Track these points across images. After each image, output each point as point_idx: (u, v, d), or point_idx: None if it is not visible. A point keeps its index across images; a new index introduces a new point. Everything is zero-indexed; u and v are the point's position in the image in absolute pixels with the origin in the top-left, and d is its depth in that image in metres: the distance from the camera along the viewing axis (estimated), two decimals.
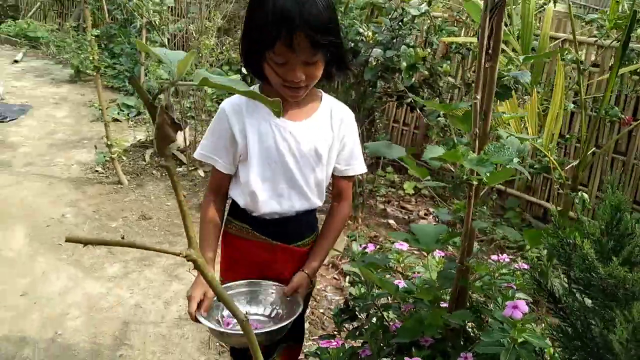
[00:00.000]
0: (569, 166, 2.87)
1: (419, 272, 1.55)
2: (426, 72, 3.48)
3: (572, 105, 3.18)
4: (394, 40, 3.21)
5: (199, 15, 5.56)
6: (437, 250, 1.60)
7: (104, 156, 4.14)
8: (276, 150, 1.34)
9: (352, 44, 3.35)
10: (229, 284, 1.43)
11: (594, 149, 2.94)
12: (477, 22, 3.11)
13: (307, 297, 1.63)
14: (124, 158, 4.28)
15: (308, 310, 2.56)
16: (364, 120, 3.59)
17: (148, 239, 3.19)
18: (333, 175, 1.48)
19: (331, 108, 1.42)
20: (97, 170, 4.17)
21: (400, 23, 3.20)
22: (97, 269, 2.84)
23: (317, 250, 1.48)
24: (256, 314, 1.42)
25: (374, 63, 3.31)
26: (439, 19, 3.68)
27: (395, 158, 1.22)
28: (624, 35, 2.33)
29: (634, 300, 0.76)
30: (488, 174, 1.14)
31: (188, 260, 0.59)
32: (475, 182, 1.10)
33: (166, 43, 5.86)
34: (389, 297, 1.48)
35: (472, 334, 1.33)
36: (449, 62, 3.58)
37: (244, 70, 2.48)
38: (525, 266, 1.39)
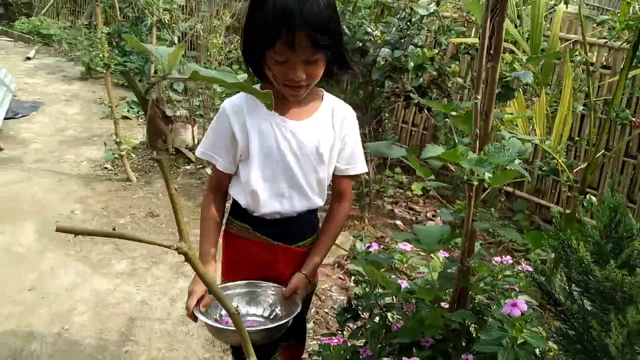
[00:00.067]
0: (577, 169, 2.85)
1: (422, 273, 1.55)
2: (434, 73, 3.47)
3: (581, 107, 3.15)
4: (402, 40, 3.21)
5: (208, 13, 5.58)
6: (441, 251, 1.60)
7: (113, 153, 4.17)
8: (277, 149, 1.34)
9: (360, 44, 3.36)
10: (226, 284, 1.43)
11: (603, 151, 2.91)
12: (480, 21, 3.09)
13: (308, 296, 1.63)
14: (133, 155, 4.31)
15: (313, 310, 2.57)
16: (371, 120, 3.59)
17: (155, 235, 3.21)
18: (333, 175, 1.47)
19: (332, 107, 1.41)
20: (106, 167, 4.20)
21: (408, 23, 3.19)
22: (105, 265, 2.86)
23: (315, 251, 1.47)
24: (255, 315, 1.42)
25: (381, 63, 3.31)
26: (448, 19, 3.67)
27: (399, 158, 1.22)
28: (635, 37, 2.31)
29: (630, 304, 0.76)
30: (490, 175, 1.14)
31: (179, 253, 0.60)
32: (475, 183, 1.10)
33: (176, 41, 5.90)
34: (393, 298, 1.48)
35: (473, 335, 1.33)
36: (457, 62, 3.57)
37: None
38: (529, 268, 1.39)
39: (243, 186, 1.39)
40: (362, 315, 1.53)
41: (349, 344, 1.41)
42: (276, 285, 1.43)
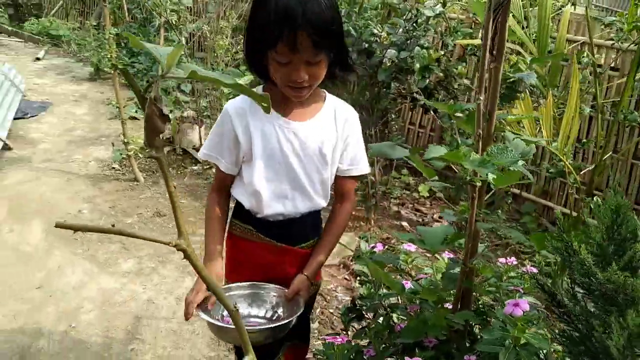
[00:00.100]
0: (584, 171, 2.84)
1: (426, 274, 1.55)
2: (441, 74, 3.47)
3: (588, 109, 3.14)
4: (408, 42, 3.21)
5: (215, 15, 5.60)
6: (446, 252, 1.60)
7: (121, 153, 4.20)
8: (280, 150, 1.35)
9: (367, 45, 3.36)
10: (229, 286, 1.43)
11: (610, 153, 2.90)
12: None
13: (312, 297, 1.63)
14: (140, 155, 4.34)
15: (318, 310, 2.57)
16: (377, 121, 3.59)
17: (162, 236, 3.22)
18: (336, 176, 1.47)
19: (335, 108, 1.42)
20: (114, 167, 4.23)
21: (414, 24, 3.19)
22: (112, 264, 2.89)
23: (317, 252, 1.47)
24: (257, 316, 1.41)
25: (387, 64, 3.31)
26: (455, 20, 3.66)
27: (406, 160, 1.23)
28: None
29: (632, 306, 0.75)
30: (494, 176, 1.15)
31: (178, 250, 0.61)
32: (478, 184, 1.10)
33: (184, 42, 5.93)
34: (398, 298, 1.48)
35: (477, 336, 1.33)
36: (464, 64, 3.56)
37: None
38: (534, 270, 1.38)
39: (246, 187, 1.39)
40: (366, 316, 1.53)
41: (353, 344, 1.41)
42: (278, 286, 1.43)
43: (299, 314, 1.33)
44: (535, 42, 2.88)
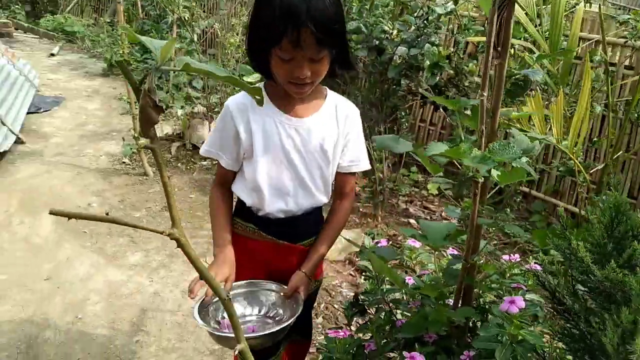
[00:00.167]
0: (593, 169, 2.81)
1: (430, 269, 1.55)
2: (451, 72, 3.45)
3: (600, 108, 3.10)
4: (419, 39, 3.19)
5: (226, 12, 5.62)
6: (450, 248, 1.60)
7: (131, 148, 4.23)
8: (281, 147, 1.34)
9: (377, 42, 3.35)
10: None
11: (621, 152, 2.86)
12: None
13: (313, 293, 1.63)
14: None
15: (322, 305, 2.57)
16: (386, 118, 3.58)
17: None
18: (336, 172, 1.46)
19: (336, 104, 1.41)
20: (124, 162, 4.27)
21: (425, 21, 3.18)
22: (119, 257, 2.91)
23: (316, 248, 1.46)
24: (256, 315, 1.41)
25: (398, 61, 3.30)
26: (466, 17, 3.64)
27: (416, 157, 1.22)
28: None
29: (630, 304, 0.74)
30: (498, 173, 1.14)
31: (171, 239, 0.61)
32: (480, 180, 1.09)
33: (196, 39, 5.96)
34: (403, 295, 1.47)
35: (478, 332, 1.32)
36: (475, 61, 3.54)
37: None
38: (538, 267, 1.37)
39: (247, 184, 1.39)
40: (368, 311, 1.53)
41: (356, 338, 1.41)
42: (278, 284, 1.42)
43: (297, 315, 1.32)
44: (547, 39, 2.85)
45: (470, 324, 1.32)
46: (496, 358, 0.90)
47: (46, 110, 5.32)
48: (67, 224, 3.19)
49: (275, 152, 1.35)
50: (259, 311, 1.43)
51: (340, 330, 1.38)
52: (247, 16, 4.53)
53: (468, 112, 1.21)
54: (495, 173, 1.14)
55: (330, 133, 1.38)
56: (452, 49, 3.34)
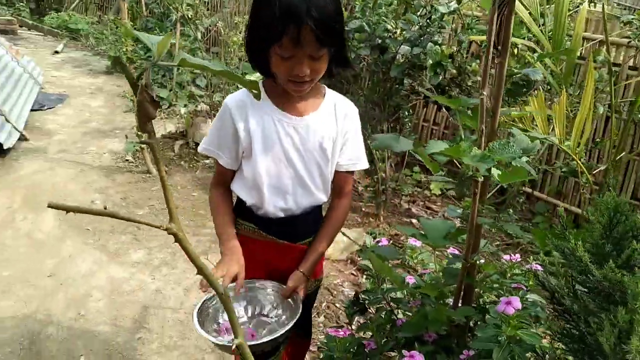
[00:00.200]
0: (596, 170, 2.80)
1: (430, 269, 1.55)
2: (454, 71, 3.44)
3: (603, 109, 3.09)
4: (422, 38, 3.19)
5: (230, 10, 5.63)
6: (451, 248, 1.60)
7: (134, 146, 4.24)
8: (280, 145, 1.34)
9: (380, 41, 3.35)
10: (229, 284, 1.39)
11: (623, 153, 2.85)
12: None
13: (314, 293, 1.63)
14: None
15: (324, 304, 2.58)
16: (388, 117, 3.58)
17: None
18: (335, 171, 1.45)
19: (335, 103, 1.41)
20: (127, 160, 4.28)
21: (428, 20, 3.17)
22: (122, 254, 2.92)
23: (314, 248, 1.45)
24: (255, 315, 1.41)
25: (400, 60, 3.30)
26: (469, 17, 3.63)
27: (418, 157, 1.22)
28: None
29: (627, 304, 0.75)
30: (499, 172, 1.14)
31: (169, 233, 0.62)
32: (480, 179, 1.09)
33: (199, 37, 5.97)
34: (405, 293, 1.48)
35: (476, 332, 1.32)
36: (478, 61, 3.53)
37: None
38: (539, 267, 1.37)
39: (247, 183, 1.39)
40: (369, 310, 1.53)
41: (356, 337, 1.42)
42: (276, 283, 1.42)
43: (296, 318, 1.31)
44: (551, 39, 2.84)
45: (471, 324, 1.32)
46: (494, 358, 0.90)
47: (50, 108, 5.34)
48: (70, 220, 3.21)
49: (274, 150, 1.34)
50: (259, 311, 1.42)
51: (340, 330, 1.39)
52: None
53: (469, 111, 1.22)
54: (495, 172, 1.15)
55: (329, 131, 1.38)
56: (455, 49, 3.33)
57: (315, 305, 2.56)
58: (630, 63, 3.60)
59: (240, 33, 4.34)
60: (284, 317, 1.38)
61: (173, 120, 5.15)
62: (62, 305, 2.46)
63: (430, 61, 3.09)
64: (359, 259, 2.99)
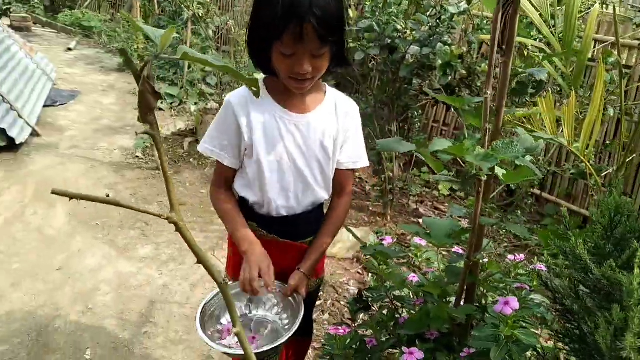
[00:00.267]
0: (605, 172, 2.78)
1: (435, 268, 1.55)
2: (464, 72, 3.44)
3: (613, 111, 3.07)
4: (431, 38, 3.19)
5: (241, 9, 5.66)
6: (455, 247, 1.60)
7: (144, 142, 4.28)
8: (282, 142, 1.34)
9: (389, 41, 3.35)
10: (229, 284, 1.40)
11: (634, 156, 2.83)
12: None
13: (315, 292, 1.64)
14: (164, 145, 4.41)
15: (329, 302, 2.59)
16: (397, 117, 3.58)
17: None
18: (335, 169, 1.45)
19: (336, 101, 1.41)
20: (137, 156, 4.32)
21: (438, 20, 3.17)
22: (130, 249, 2.95)
23: (314, 247, 1.45)
24: (256, 314, 1.41)
25: (410, 60, 3.30)
26: (479, 18, 3.62)
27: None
28: None
29: (618, 302, 0.75)
30: (504, 172, 1.14)
31: (170, 222, 0.63)
32: (484, 178, 1.10)
33: (211, 35, 6.01)
34: (409, 292, 1.48)
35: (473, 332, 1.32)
36: (487, 61, 3.52)
37: None
38: (543, 267, 1.37)
39: (249, 181, 1.39)
40: (372, 307, 1.54)
41: (360, 334, 1.42)
42: (278, 282, 1.41)
43: (298, 323, 1.31)
44: (561, 41, 2.83)
45: (475, 323, 1.32)
46: (491, 357, 0.91)
47: (62, 104, 5.40)
48: (80, 216, 3.25)
49: (276, 148, 1.34)
50: (259, 310, 1.43)
51: (340, 327, 1.39)
52: None
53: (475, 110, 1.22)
54: (500, 172, 1.15)
55: (330, 129, 1.38)
56: (464, 49, 3.33)
57: (320, 303, 2.57)
58: None
59: None
60: (284, 315, 1.39)
61: (183, 117, 5.18)
62: (70, 298, 2.49)
63: (440, 61, 3.08)
64: (365, 257, 3.00)
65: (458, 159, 1.13)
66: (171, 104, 5.62)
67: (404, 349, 1.13)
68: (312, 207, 1.45)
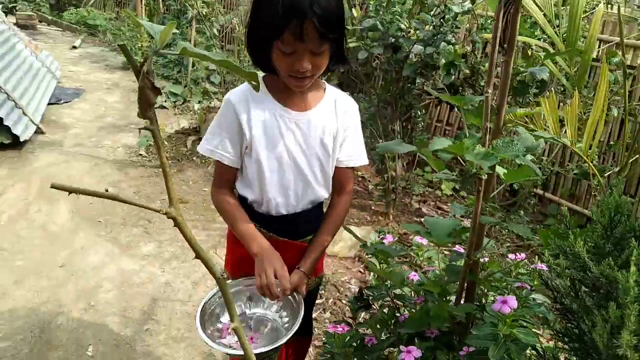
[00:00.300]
0: (608, 173, 2.78)
1: (435, 267, 1.55)
2: (467, 71, 3.43)
3: (617, 111, 3.06)
4: (435, 37, 3.18)
5: (246, 8, 5.66)
6: (457, 246, 1.60)
7: (148, 140, 4.29)
8: (282, 140, 1.34)
9: (393, 40, 3.35)
10: (228, 282, 1.39)
11: (637, 156, 2.82)
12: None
13: (315, 290, 1.64)
14: (167, 143, 4.43)
15: (330, 300, 2.59)
16: (400, 116, 3.58)
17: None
18: (335, 167, 1.45)
19: (335, 98, 1.41)
20: (140, 154, 4.33)
21: (441, 20, 3.17)
22: (133, 247, 2.96)
23: (314, 245, 1.45)
24: (257, 313, 1.41)
25: (413, 59, 3.30)
26: (483, 17, 3.61)
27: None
28: None
29: (613, 299, 0.75)
30: (504, 171, 1.14)
31: (168, 217, 0.63)
32: (484, 177, 1.10)
33: (216, 34, 6.01)
34: (410, 291, 1.48)
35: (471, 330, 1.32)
36: None
37: None
38: (544, 267, 1.37)
39: (249, 179, 1.39)
40: (373, 305, 1.54)
41: (360, 332, 1.42)
42: (278, 281, 1.39)
43: (298, 323, 1.31)
44: (565, 41, 2.82)
45: (475, 321, 1.33)
46: (489, 356, 0.91)
47: (66, 102, 5.42)
48: (83, 213, 3.26)
49: (277, 146, 1.34)
50: (259, 308, 1.43)
51: (338, 325, 1.39)
52: None
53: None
54: (501, 171, 1.15)
55: (330, 127, 1.38)
56: (468, 48, 3.32)
57: (321, 301, 2.58)
58: None
59: None
60: (284, 313, 1.39)
61: (186, 116, 5.19)
62: (72, 295, 2.51)
63: (443, 61, 3.08)
64: (367, 256, 3.00)
65: (460, 158, 1.13)
66: (175, 102, 5.63)
67: (402, 347, 1.13)
68: (311, 205, 1.45)
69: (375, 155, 3.42)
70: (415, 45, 3.23)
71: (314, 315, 2.45)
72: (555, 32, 2.86)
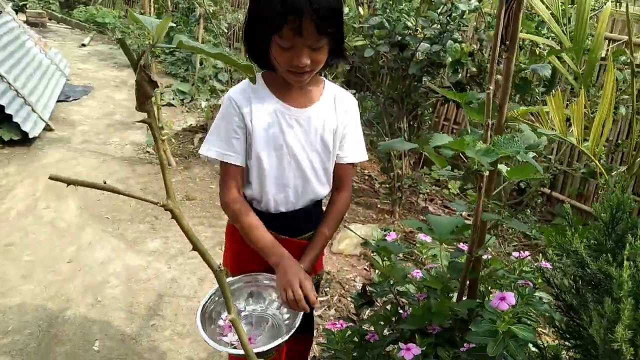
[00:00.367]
0: (615, 172, 2.76)
1: (438, 264, 1.55)
2: (474, 69, 3.42)
3: (624, 110, 3.04)
4: (442, 35, 3.18)
5: None
6: (461, 244, 1.60)
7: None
8: (282, 137, 1.33)
9: (400, 38, 3.35)
10: (228, 279, 1.39)
11: None
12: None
13: (316, 286, 1.64)
14: (174, 141, 4.45)
15: (335, 298, 2.60)
16: (407, 114, 3.57)
17: (190, 219, 3.31)
18: (335, 163, 1.45)
19: (334, 95, 1.41)
20: (148, 151, 4.36)
21: (448, 18, 3.16)
22: (139, 243, 2.99)
23: (314, 243, 1.44)
24: (257, 311, 1.41)
25: (420, 57, 3.29)
26: (490, 15, 3.60)
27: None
28: None
29: (608, 294, 0.75)
30: (507, 169, 1.14)
31: (165, 210, 0.64)
32: (485, 173, 1.10)
33: (224, 31, 6.03)
34: (409, 287, 1.49)
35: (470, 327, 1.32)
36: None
37: None
38: (548, 265, 1.37)
39: (248, 176, 1.39)
40: (376, 302, 1.54)
41: (363, 329, 1.43)
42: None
43: (299, 322, 1.31)
44: (572, 39, 2.80)
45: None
46: (488, 353, 0.91)
47: (75, 99, 5.46)
48: (90, 209, 3.29)
49: (277, 142, 1.34)
50: (259, 306, 1.43)
51: (337, 322, 1.40)
52: None
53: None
54: (503, 168, 1.15)
55: (330, 123, 1.38)
56: (475, 47, 3.31)
57: (326, 298, 2.59)
58: None
59: None
60: (284, 310, 1.40)
61: (194, 114, 5.22)
62: (80, 291, 2.53)
63: (450, 59, 3.07)
64: (372, 254, 3.00)
65: (463, 155, 1.13)
66: (182, 100, 5.66)
67: (401, 344, 1.13)
68: (311, 203, 1.45)
69: (382, 154, 3.42)
70: (422, 43, 3.22)
71: (319, 312, 2.46)
72: (563, 31, 2.85)
